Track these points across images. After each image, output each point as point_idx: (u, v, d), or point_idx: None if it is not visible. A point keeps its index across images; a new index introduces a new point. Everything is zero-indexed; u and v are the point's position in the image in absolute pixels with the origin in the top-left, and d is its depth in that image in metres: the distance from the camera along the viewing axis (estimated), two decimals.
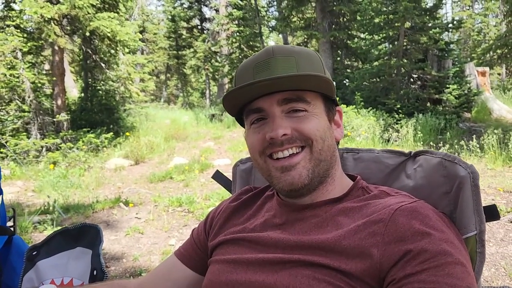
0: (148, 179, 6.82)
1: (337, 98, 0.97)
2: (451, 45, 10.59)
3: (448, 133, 8.07)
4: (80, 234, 1.50)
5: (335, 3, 13.41)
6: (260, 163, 0.89)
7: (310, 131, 0.85)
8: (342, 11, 13.23)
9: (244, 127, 0.95)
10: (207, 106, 18.87)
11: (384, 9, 10.52)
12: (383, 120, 8.85)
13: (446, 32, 11.64)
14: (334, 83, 0.94)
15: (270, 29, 19.63)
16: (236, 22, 17.99)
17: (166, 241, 4.12)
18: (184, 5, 23.23)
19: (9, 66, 8.56)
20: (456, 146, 6.82)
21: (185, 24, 22.96)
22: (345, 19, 14.00)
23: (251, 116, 0.89)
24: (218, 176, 1.30)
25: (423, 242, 0.73)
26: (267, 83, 0.82)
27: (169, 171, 7.09)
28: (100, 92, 11.30)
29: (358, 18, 12.46)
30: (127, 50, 10.61)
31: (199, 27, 23.74)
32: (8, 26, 8.85)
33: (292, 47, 0.89)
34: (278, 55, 0.86)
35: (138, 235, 4.31)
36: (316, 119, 0.87)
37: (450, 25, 10.74)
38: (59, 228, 1.61)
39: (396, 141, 8.07)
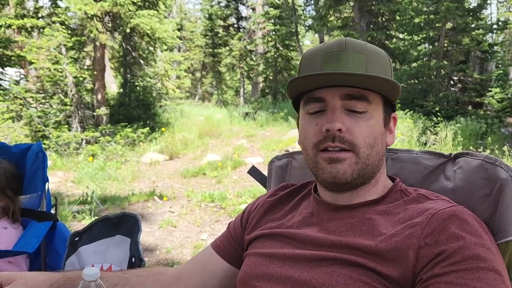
0: (182, 174, 6.94)
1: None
2: (495, 47, 10.21)
3: (489, 138, 7.77)
4: (119, 222, 1.56)
5: (373, 3, 13.15)
6: (309, 154, 0.89)
7: (360, 137, 0.85)
8: (381, 11, 12.96)
9: (298, 110, 0.95)
10: (241, 104, 18.97)
11: (425, 9, 10.24)
12: (421, 122, 8.64)
13: (490, 34, 11.21)
14: None
15: (306, 28, 19.49)
16: (272, 21, 17.99)
17: (198, 236, 4.20)
18: (221, 4, 23.44)
19: (53, 61, 8.92)
20: (497, 152, 6.57)
21: (221, 23, 23.17)
22: (383, 19, 13.70)
23: (311, 104, 0.89)
24: (254, 171, 1.32)
25: (457, 245, 0.73)
26: (336, 76, 0.83)
27: (202, 167, 7.19)
28: (138, 88, 11.60)
29: (397, 18, 12.19)
30: (165, 47, 10.84)
31: (235, 25, 23.91)
32: (54, 22, 9.23)
33: (365, 43, 0.89)
34: (350, 50, 0.86)
35: (171, 228, 4.41)
36: (373, 121, 0.86)
37: (495, 26, 10.36)
38: (96, 218, 1.67)
39: (434, 144, 7.85)
